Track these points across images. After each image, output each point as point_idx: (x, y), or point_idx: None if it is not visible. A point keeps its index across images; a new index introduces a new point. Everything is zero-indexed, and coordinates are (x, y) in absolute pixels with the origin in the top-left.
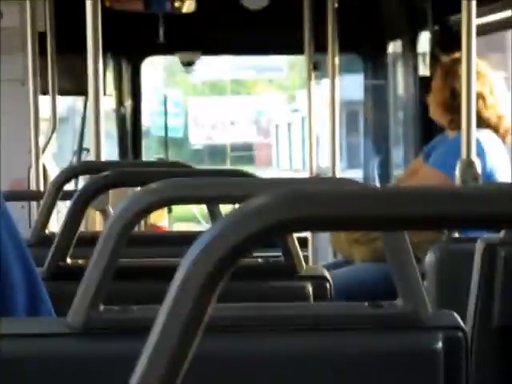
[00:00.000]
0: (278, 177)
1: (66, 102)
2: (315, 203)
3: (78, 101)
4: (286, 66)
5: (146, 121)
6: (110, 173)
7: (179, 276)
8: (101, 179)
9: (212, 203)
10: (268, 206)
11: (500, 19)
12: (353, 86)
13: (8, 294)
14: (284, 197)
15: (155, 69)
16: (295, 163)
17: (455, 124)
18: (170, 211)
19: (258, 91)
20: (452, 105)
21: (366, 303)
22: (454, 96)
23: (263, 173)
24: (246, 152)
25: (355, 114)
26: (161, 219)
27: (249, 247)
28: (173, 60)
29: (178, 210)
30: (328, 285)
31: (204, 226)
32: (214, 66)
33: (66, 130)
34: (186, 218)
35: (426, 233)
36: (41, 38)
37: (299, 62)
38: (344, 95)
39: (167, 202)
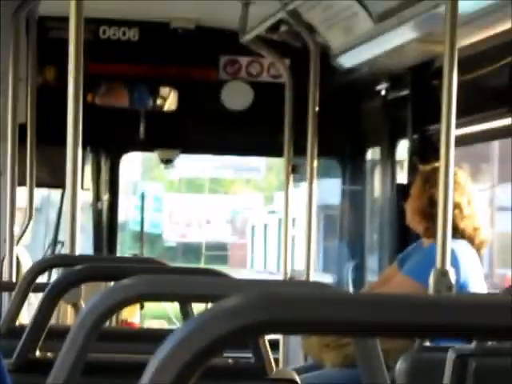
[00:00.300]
0: (252, 278)
1: (40, 193)
2: (288, 306)
3: (52, 192)
4: (263, 167)
5: (122, 215)
6: (83, 267)
7: (147, 375)
8: (74, 273)
9: (184, 302)
10: (240, 307)
11: (480, 130)
12: (330, 190)
13: None
14: (257, 299)
15: (132, 162)
16: (270, 265)
17: (431, 232)
18: (142, 307)
19: (235, 191)
20: (429, 213)
21: None
22: (432, 204)
23: (237, 273)
24: (220, 251)
25: (332, 217)
26: (133, 315)
27: (219, 349)
28: (151, 155)
29: (151, 306)
30: None
31: (176, 323)
32: (192, 163)
33: (39, 220)
34: (158, 315)
35: (397, 340)
36: (21, 130)
37: (277, 163)
38: (321, 199)
39: (139, 299)
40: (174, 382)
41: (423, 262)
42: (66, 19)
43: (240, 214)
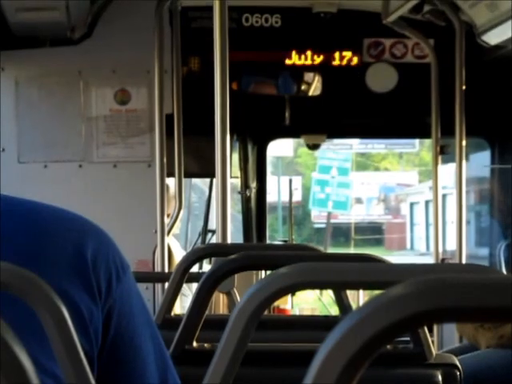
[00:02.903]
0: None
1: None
2: (461, 293)
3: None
4: (417, 141)
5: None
6: (239, 256)
7: (315, 365)
8: (230, 262)
9: (343, 289)
10: (410, 295)
11: None
12: (480, 169)
13: (142, 376)
14: (426, 286)
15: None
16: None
17: None
18: (293, 294)
19: (387, 166)
20: None
21: None
22: None
23: (396, 257)
24: (373, 234)
25: (483, 197)
26: (285, 302)
27: (389, 338)
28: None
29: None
30: (458, 373)
31: (329, 311)
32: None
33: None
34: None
35: None
36: (168, 120)
37: None
38: (471, 178)
39: (297, 288)
40: (342, 373)
41: None
42: (208, 9)
43: (394, 191)
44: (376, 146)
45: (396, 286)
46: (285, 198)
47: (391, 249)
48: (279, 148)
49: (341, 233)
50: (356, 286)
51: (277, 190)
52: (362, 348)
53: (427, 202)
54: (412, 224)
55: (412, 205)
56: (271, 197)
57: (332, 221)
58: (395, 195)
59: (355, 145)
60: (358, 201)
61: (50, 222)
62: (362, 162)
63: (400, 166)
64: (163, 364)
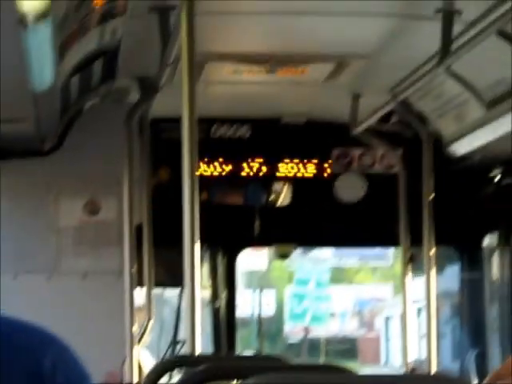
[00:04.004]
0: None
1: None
2: None
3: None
4: (391, 254)
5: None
6: (206, 367)
7: None
8: (197, 373)
9: None
10: None
11: None
12: (450, 278)
13: None
14: None
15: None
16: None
17: None
18: None
19: (361, 280)
20: None
21: None
22: None
23: (370, 370)
24: (346, 345)
25: (452, 306)
26: None
27: None
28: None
29: None
30: None
31: None
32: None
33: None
34: None
35: None
36: (138, 231)
37: None
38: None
39: None
40: None
41: None
42: (178, 120)
43: (368, 305)
44: (349, 260)
45: None
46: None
47: (365, 363)
48: (253, 262)
49: (314, 347)
50: None
51: (250, 304)
52: None
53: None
54: (387, 338)
55: (387, 319)
56: (245, 310)
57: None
58: (370, 309)
59: (328, 259)
60: (332, 315)
61: (6, 334)
62: (335, 276)
63: (374, 279)
64: None
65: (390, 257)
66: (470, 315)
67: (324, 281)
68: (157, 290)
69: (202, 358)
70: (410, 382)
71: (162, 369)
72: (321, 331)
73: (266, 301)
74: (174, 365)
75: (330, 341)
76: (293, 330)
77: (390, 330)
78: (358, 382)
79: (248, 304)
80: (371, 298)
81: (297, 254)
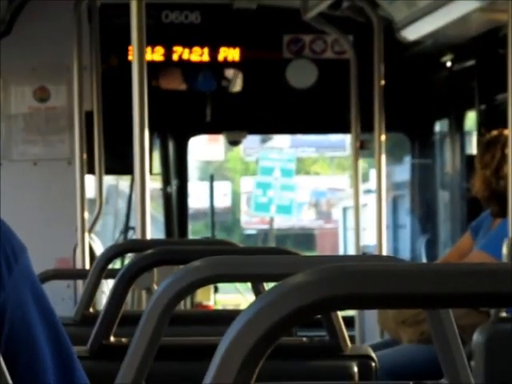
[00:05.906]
0: (321, 255)
1: (107, 182)
2: (358, 280)
3: (119, 181)
4: (348, 144)
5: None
6: (154, 250)
7: (218, 354)
8: (145, 257)
9: (256, 281)
10: (310, 283)
11: None
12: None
13: (36, 371)
14: (327, 274)
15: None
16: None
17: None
18: (216, 290)
19: (317, 170)
20: (494, 184)
21: (411, 383)
22: (496, 175)
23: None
24: (304, 240)
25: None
26: (207, 298)
27: (290, 325)
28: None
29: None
30: (373, 364)
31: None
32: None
33: (108, 211)
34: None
35: (473, 316)
36: (88, 118)
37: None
38: (391, 174)
39: (209, 280)
40: (247, 358)
41: (496, 236)
42: (127, 6)
43: (325, 196)
44: (306, 150)
45: (297, 274)
46: (215, 203)
47: (323, 254)
48: (209, 152)
49: (271, 239)
50: (266, 278)
51: (205, 195)
52: (263, 335)
53: (364, 207)
54: (345, 229)
55: (344, 209)
56: (200, 202)
57: (260, 226)
58: (327, 200)
59: (285, 149)
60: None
61: None
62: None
63: (331, 170)
64: (65, 360)
65: (347, 147)
66: (421, 202)
67: (290, 169)
68: (111, 181)
69: (152, 243)
70: (343, 261)
71: (111, 253)
72: (281, 223)
73: (223, 192)
74: (123, 249)
75: (286, 232)
76: (251, 221)
77: (347, 220)
78: (303, 261)
79: (203, 195)
80: (328, 188)
81: (255, 143)
